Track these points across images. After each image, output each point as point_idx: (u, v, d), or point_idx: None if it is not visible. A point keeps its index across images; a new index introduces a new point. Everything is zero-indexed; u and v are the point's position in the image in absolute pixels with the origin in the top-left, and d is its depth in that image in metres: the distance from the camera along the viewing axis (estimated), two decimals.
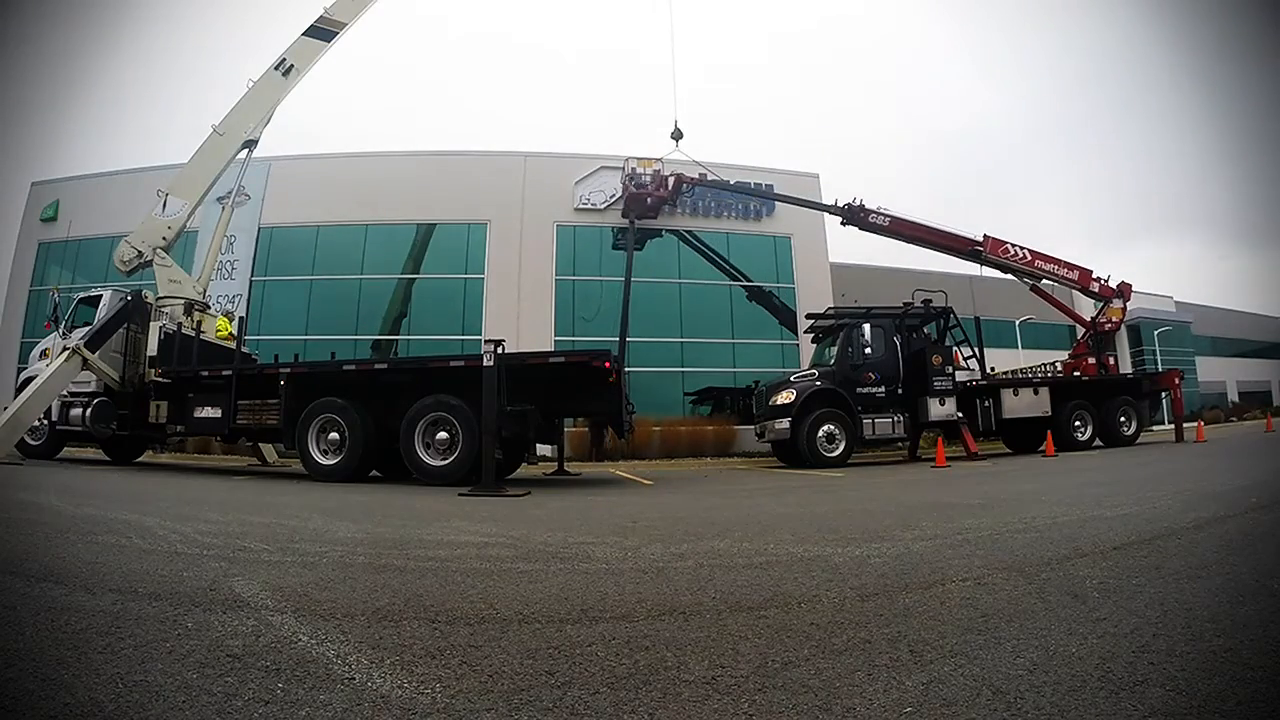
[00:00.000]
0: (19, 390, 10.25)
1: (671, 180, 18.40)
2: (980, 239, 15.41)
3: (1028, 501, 4.83)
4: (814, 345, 13.74)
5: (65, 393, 9.53)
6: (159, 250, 10.37)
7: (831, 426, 10.73)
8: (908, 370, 11.61)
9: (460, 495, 6.03)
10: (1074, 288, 15.95)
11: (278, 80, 11.54)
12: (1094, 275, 15.80)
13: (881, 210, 15.66)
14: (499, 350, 6.68)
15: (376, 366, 8.23)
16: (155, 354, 9.28)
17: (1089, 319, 16.02)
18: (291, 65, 11.57)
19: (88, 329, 9.47)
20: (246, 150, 11.47)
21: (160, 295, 10.08)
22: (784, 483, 7.84)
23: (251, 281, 20.69)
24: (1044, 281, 16.02)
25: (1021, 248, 15.83)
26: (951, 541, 3.20)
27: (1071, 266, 16.08)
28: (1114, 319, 15.60)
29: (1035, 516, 3.93)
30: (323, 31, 11.98)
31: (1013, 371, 16.47)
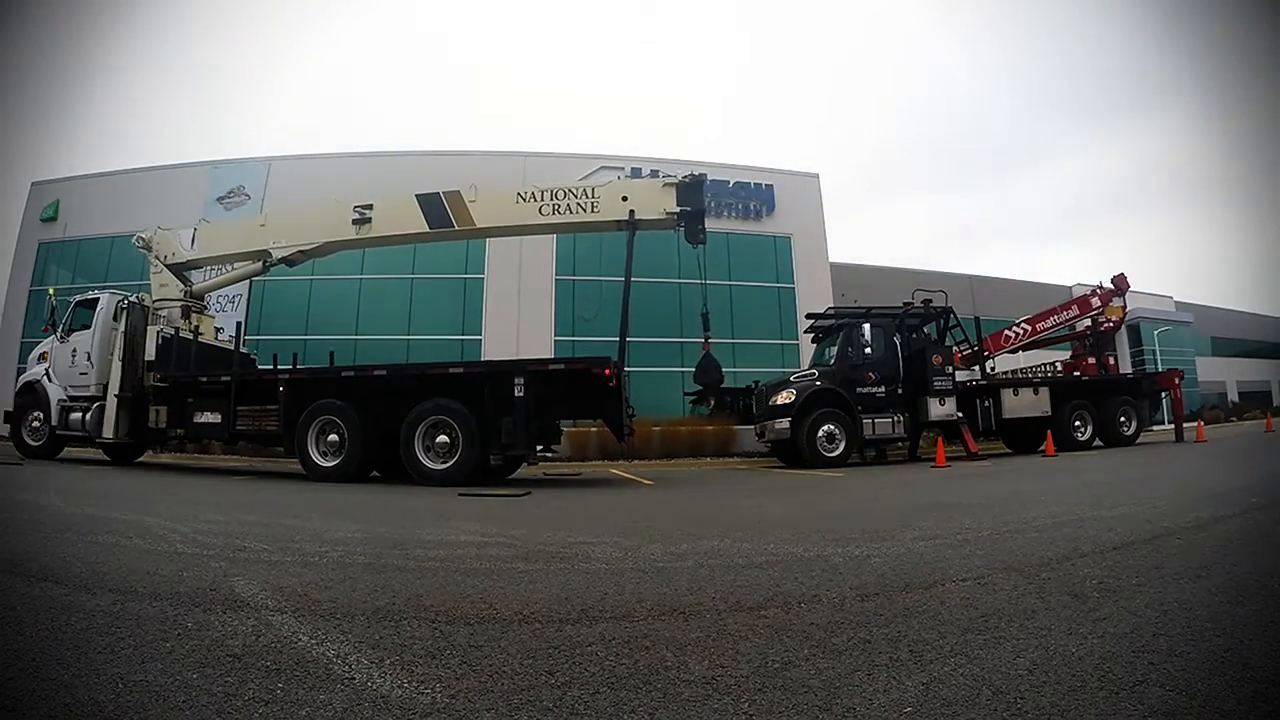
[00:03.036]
0: (18, 392, 10.24)
1: None
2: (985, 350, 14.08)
3: (1028, 501, 4.83)
4: (814, 345, 13.73)
5: (65, 397, 9.53)
6: (156, 259, 10.24)
7: (831, 426, 10.71)
8: (908, 370, 11.61)
9: (460, 495, 6.02)
10: (1080, 321, 15.88)
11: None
12: (1090, 292, 15.83)
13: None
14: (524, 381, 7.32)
15: (375, 373, 8.21)
16: (153, 358, 9.25)
17: (1089, 319, 15.98)
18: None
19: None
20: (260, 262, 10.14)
21: (155, 299, 10.04)
22: (784, 483, 7.84)
23: (251, 282, 20.69)
24: (1053, 330, 15.95)
25: (1017, 325, 15.80)
26: (951, 541, 3.20)
27: (1067, 304, 16.12)
28: (1114, 318, 15.58)
29: (1035, 516, 3.92)
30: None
31: (1013, 371, 16.44)
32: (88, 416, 9.18)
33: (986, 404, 12.10)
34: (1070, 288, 28.71)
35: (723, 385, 9.50)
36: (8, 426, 10.20)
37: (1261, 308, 56.66)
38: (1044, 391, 12.37)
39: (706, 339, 9.73)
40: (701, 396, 9.01)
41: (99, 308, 9.75)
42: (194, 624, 1.92)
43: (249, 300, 20.49)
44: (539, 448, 8.40)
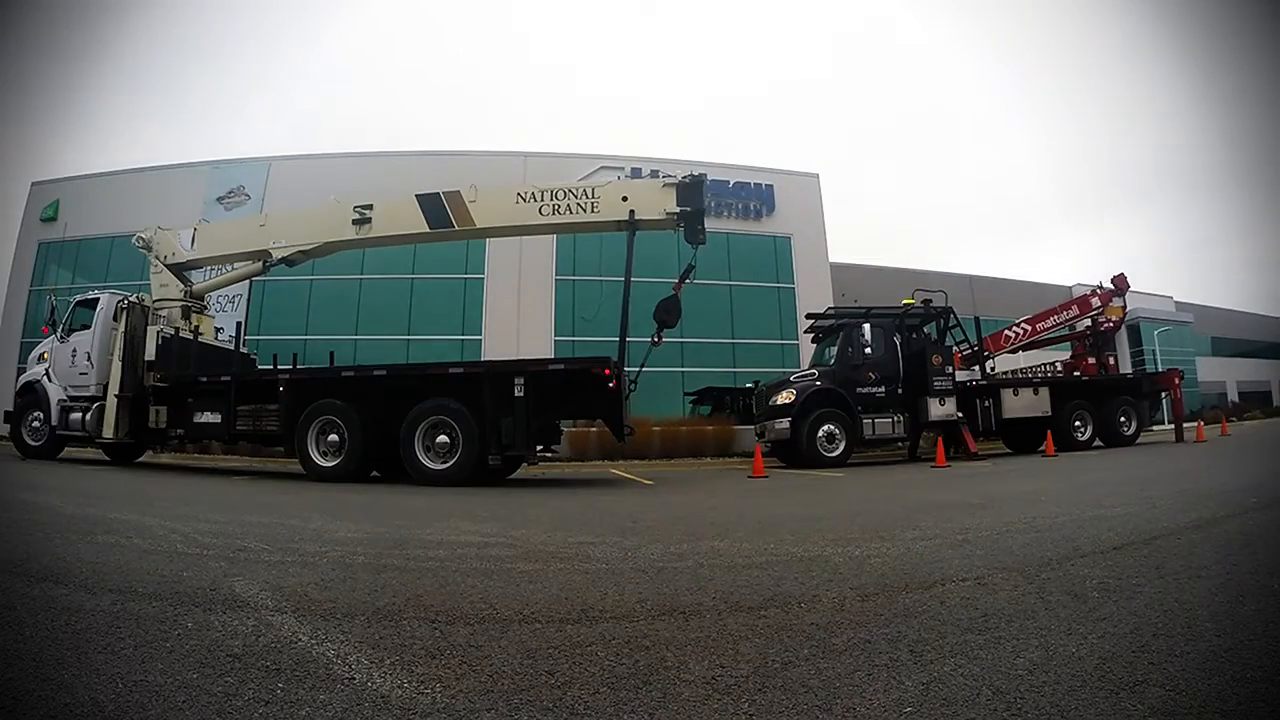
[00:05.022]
0: (18, 392, 10.23)
1: None
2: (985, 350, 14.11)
3: (1028, 501, 4.83)
4: (814, 345, 13.73)
5: (65, 397, 9.52)
6: (156, 259, 10.23)
7: (831, 426, 10.72)
8: (908, 370, 11.61)
9: (461, 495, 6.01)
10: (1080, 322, 15.88)
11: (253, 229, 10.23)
12: (1090, 292, 15.83)
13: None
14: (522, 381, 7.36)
15: (375, 373, 8.20)
16: (153, 358, 9.24)
17: (1088, 319, 15.97)
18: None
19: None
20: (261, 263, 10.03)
21: (155, 299, 10.03)
22: (784, 483, 7.84)
23: (251, 281, 20.72)
24: (1053, 330, 15.96)
25: (1017, 325, 15.80)
26: (951, 541, 3.20)
27: (1067, 304, 16.14)
28: (1114, 318, 15.58)
29: (1035, 516, 3.92)
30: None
31: (1013, 371, 16.46)
32: (88, 416, 9.18)
33: (986, 404, 12.10)
34: (1070, 288, 28.72)
35: (673, 325, 8.99)
36: (8, 426, 10.20)
37: (1261, 308, 56.74)
38: (1044, 391, 12.36)
39: (679, 284, 9.08)
40: (657, 333, 8.75)
41: (99, 308, 9.74)
42: (194, 624, 1.92)
43: (249, 300, 20.50)
44: (539, 448, 8.40)
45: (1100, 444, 12.47)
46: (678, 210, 8.78)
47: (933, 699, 1.38)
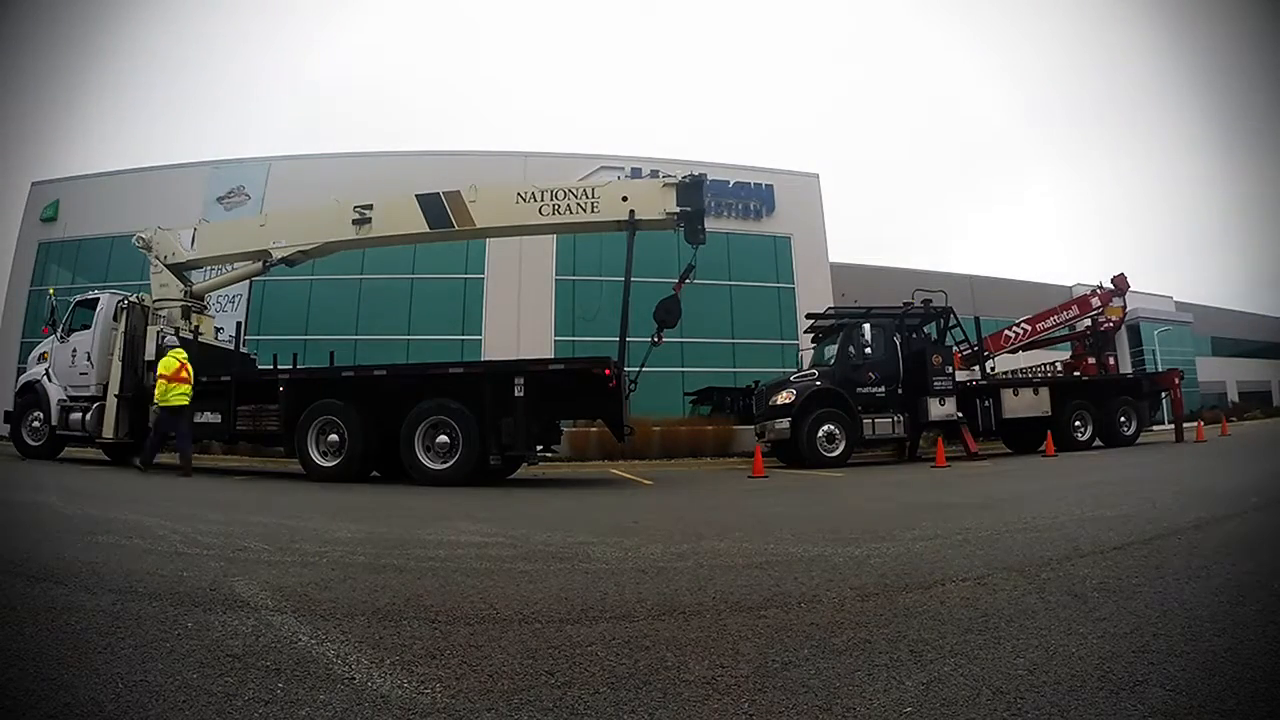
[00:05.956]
0: (18, 392, 10.23)
1: None
2: (985, 350, 14.09)
3: (1028, 501, 4.83)
4: (814, 345, 13.72)
5: (65, 397, 9.52)
6: (158, 262, 10.22)
7: (831, 426, 10.72)
8: (908, 370, 11.61)
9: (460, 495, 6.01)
10: (1081, 321, 15.89)
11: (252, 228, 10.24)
12: (1090, 292, 15.83)
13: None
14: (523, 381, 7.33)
15: (375, 373, 8.20)
16: (153, 358, 9.24)
17: (1089, 319, 15.97)
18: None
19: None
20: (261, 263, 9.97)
21: (155, 299, 10.02)
22: (784, 483, 7.84)
23: (251, 282, 20.72)
24: (1053, 330, 15.99)
25: (1017, 325, 15.82)
26: (951, 541, 3.20)
27: (1067, 304, 16.16)
28: (1114, 318, 15.57)
29: (1035, 516, 3.92)
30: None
31: (1013, 371, 16.46)
32: (88, 416, 9.18)
33: (986, 404, 12.10)
34: (1070, 288, 28.72)
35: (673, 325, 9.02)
36: (8, 426, 10.20)
37: (1261, 308, 56.81)
38: (1044, 391, 12.36)
39: (679, 284, 9.08)
40: (657, 332, 8.80)
41: (99, 308, 9.74)
42: (194, 624, 1.92)
43: (249, 300, 20.50)
44: (539, 448, 8.39)
45: (1100, 444, 12.46)
46: (678, 210, 8.77)
47: (933, 699, 1.38)
